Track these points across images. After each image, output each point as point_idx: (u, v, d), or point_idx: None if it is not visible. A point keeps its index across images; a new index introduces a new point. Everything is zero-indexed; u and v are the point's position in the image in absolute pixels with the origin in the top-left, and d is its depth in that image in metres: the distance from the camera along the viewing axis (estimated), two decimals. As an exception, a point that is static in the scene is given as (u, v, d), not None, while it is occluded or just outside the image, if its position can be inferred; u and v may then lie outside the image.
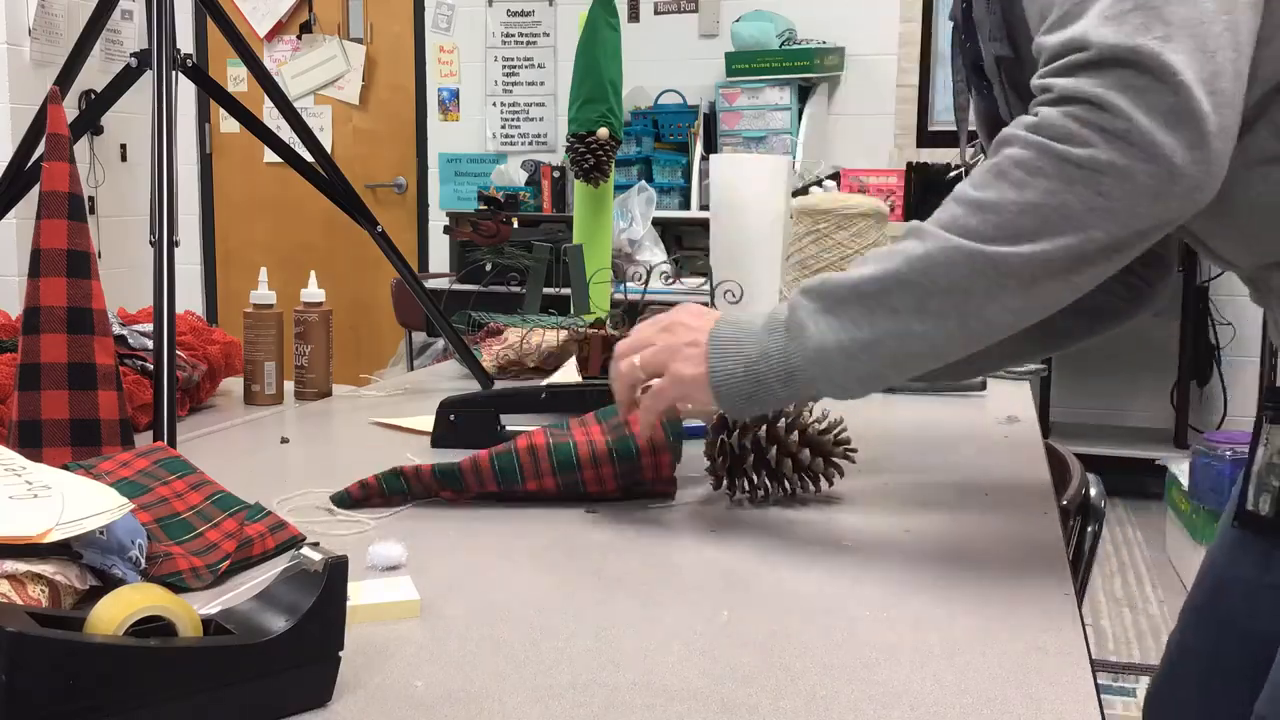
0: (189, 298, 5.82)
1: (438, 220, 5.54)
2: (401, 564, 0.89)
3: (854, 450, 1.13)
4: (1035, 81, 0.86)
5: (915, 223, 0.89)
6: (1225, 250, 1.01)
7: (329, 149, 5.48)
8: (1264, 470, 1.07)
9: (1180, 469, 3.72)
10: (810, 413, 1.12)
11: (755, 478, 1.08)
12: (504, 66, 5.48)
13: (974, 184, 0.86)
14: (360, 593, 0.78)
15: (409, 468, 1.06)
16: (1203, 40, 0.80)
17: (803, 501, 1.09)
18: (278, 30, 5.72)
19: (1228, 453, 3.33)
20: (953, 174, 4.27)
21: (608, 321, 1.86)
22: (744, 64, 4.81)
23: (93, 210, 5.24)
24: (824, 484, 1.12)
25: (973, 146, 1.19)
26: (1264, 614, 1.06)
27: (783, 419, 1.09)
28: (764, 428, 1.07)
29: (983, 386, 1.70)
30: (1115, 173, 0.81)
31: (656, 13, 5.23)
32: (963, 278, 0.85)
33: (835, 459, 1.11)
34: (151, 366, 1.27)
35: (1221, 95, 0.80)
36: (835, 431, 1.12)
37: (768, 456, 1.07)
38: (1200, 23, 0.80)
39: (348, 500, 1.04)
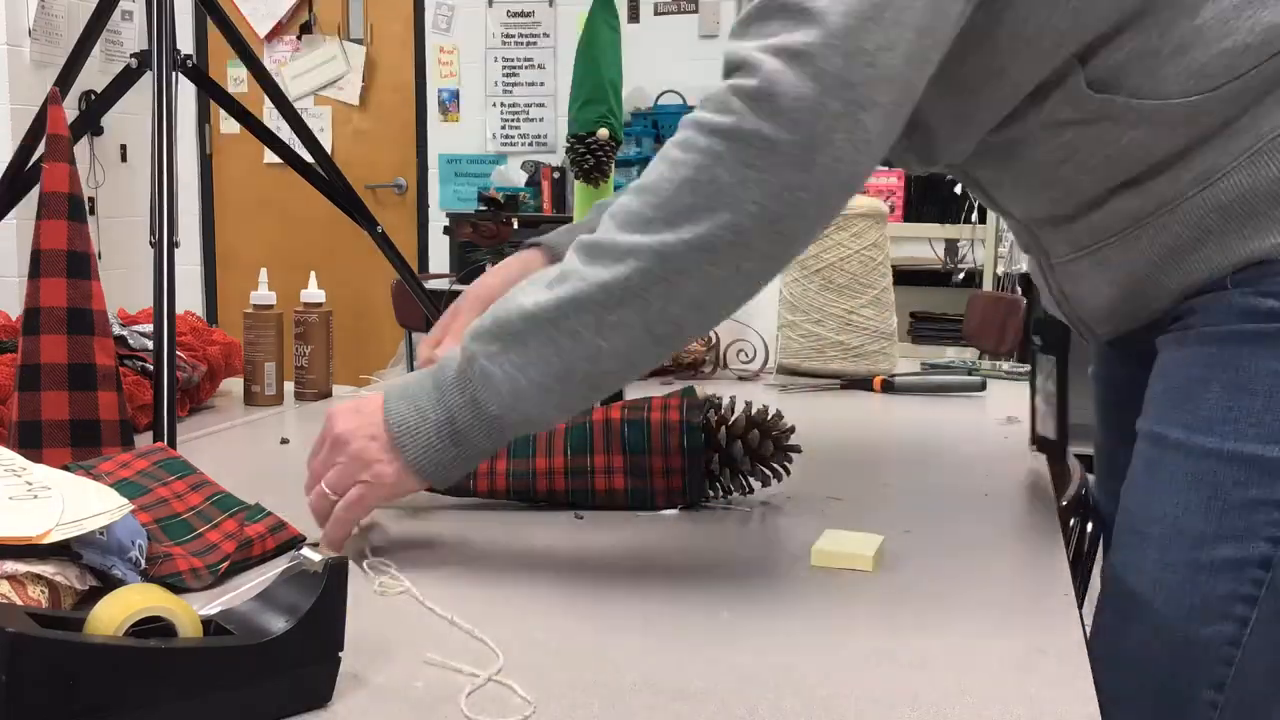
0: (189, 298, 5.82)
1: (438, 221, 5.54)
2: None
3: (794, 450, 1.10)
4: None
5: (581, 238, 0.85)
6: (1005, 199, 1.05)
7: (329, 150, 5.47)
8: (1045, 398, 1.16)
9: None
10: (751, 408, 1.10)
11: (722, 480, 1.07)
12: (504, 67, 5.48)
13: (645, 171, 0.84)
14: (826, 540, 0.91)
15: (482, 467, 1.04)
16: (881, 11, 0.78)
17: (802, 502, 1.09)
18: (278, 31, 5.72)
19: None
20: (951, 175, 4.26)
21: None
22: (744, 64, 4.81)
23: (93, 211, 5.24)
24: (774, 478, 1.09)
25: None
26: None
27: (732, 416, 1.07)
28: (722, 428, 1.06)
29: (982, 386, 1.70)
30: (759, 142, 0.78)
31: (656, 13, 5.23)
32: (635, 284, 0.81)
33: (784, 445, 1.09)
34: (151, 367, 1.27)
35: (885, 76, 0.79)
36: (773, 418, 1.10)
37: (732, 452, 1.06)
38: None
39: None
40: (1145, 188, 0.93)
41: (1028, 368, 1.91)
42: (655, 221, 0.81)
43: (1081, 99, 0.91)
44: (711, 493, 1.07)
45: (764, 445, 1.07)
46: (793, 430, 1.10)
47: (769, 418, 1.08)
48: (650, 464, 1.05)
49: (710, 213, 0.80)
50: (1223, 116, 0.89)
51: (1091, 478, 1.40)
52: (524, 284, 0.87)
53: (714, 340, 1.81)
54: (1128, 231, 0.95)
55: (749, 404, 1.10)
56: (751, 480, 1.08)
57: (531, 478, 1.04)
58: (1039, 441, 1.20)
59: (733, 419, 1.07)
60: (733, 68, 0.81)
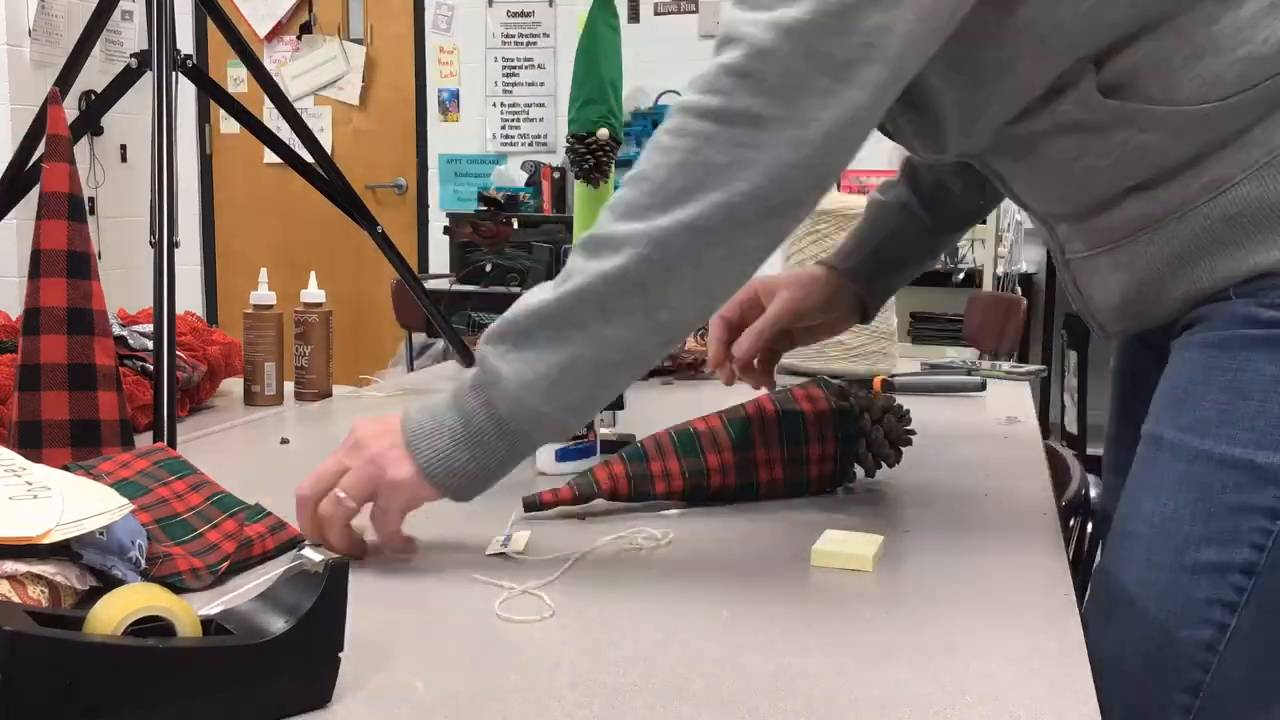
0: (189, 298, 5.82)
1: (438, 221, 5.54)
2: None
3: (913, 432, 1.17)
4: None
5: (582, 235, 0.86)
6: (1022, 192, 1.05)
7: (329, 150, 5.47)
8: (1068, 393, 1.17)
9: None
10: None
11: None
12: (504, 67, 5.48)
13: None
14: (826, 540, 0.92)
15: (599, 469, 1.04)
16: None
17: (802, 502, 1.09)
18: (278, 31, 5.72)
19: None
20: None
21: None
22: (744, 64, 4.81)
23: (93, 211, 5.24)
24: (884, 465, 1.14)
25: None
26: None
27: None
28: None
29: (982, 386, 1.70)
30: (748, 120, 0.79)
31: (656, 13, 5.23)
32: (633, 271, 0.82)
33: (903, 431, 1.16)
34: (151, 367, 1.27)
35: (878, 58, 0.79)
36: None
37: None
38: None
39: (537, 505, 1.02)
40: (1156, 193, 0.93)
41: (1028, 368, 1.92)
42: (650, 208, 0.81)
43: (1091, 102, 0.90)
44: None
45: (895, 428, 1.12)
46: (909, 413, 1.16)
47: (894, 402, 1.15)
48: (808, 453, 1.08)
49: (703, 194, 0.80)
50: (1234, 126, 0.88)
51: (1092, 478, 1.40)
52: (534, 289, 0.88)
53: (714, 340, 1.81)
54: (1139, 235, 0.95)
55: (870, 389, 1.17)
56: (883, 461, 1.13)
57: (705, 475, 1.05)
58: (1065, 436, 1.23)
59: (870, 404, 1.12)
60: (724, 41, 0.81)
